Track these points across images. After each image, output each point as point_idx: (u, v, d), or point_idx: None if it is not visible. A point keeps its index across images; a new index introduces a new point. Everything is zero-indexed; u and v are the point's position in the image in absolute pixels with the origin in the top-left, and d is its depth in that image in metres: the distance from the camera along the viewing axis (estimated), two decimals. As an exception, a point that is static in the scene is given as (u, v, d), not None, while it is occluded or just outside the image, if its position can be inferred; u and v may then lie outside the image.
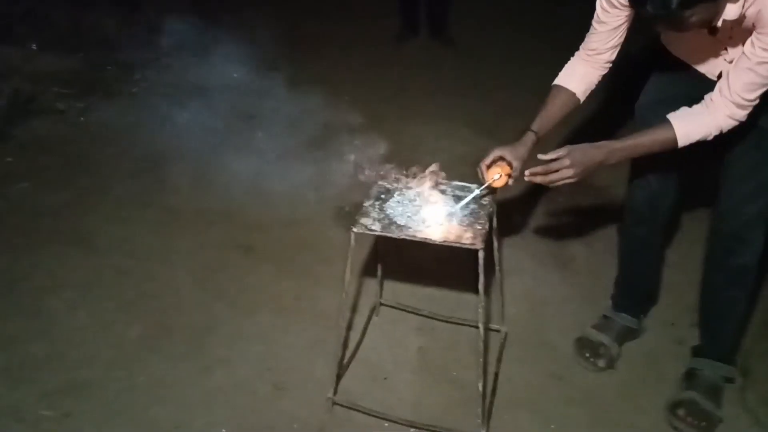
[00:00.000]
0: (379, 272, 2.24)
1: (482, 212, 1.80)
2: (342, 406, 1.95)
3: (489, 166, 1.79)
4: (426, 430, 1.91)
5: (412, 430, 1.92)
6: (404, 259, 2.49)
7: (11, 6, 4.43)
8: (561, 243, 2.74)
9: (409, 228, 1.72)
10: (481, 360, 1.77)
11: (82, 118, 3.65)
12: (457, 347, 2.21)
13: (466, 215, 1.77)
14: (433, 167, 1.88)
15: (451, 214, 1.77)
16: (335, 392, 1.94)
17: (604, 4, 1.71)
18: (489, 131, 3.37)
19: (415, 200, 1.82)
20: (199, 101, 3.76)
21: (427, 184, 1.84)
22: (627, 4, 1.63)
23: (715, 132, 1.61)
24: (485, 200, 1.85)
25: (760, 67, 1.49)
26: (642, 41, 1.88)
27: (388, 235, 1.71)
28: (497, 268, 2.07)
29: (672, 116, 1.64)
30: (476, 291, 1.71)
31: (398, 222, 1.74)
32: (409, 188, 1.87)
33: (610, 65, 1.83)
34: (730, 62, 1.62)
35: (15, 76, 3.90)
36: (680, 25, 1.43)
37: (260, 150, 3.33)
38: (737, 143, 1.78)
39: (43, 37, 4.27)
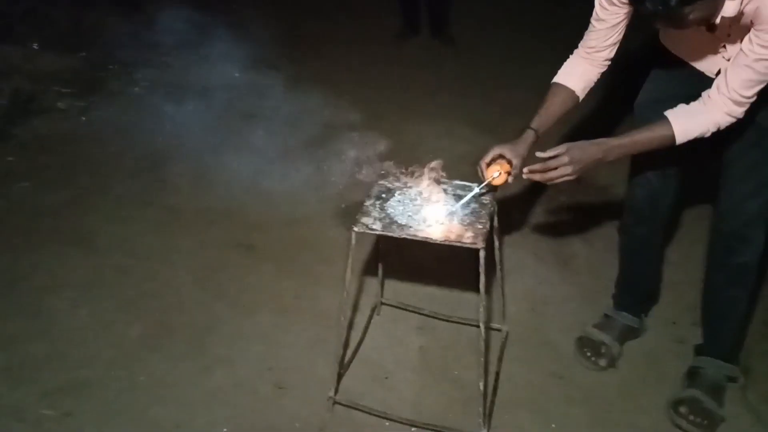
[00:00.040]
0: (380, 271, 2.23)
1: (483, 211, 1.79)
2: (343, 405, 1.95)
3: (489, 164, 1.79)
4: (427, 429, 1.91)
5: (413, 429, 1.92)
6: (405, 258, 2.49)
7: (12, 5, 4.43)
8: (562, 242, 2.74)
9: (410, 227, 1.71)
10: (482, 359, 1.77)
11: (82, 118, 3.65)
12: (458, 346, 2.21)
13: (466, 214, 1.77)
14: (434, 164, 1.87)
15: (451, 213, 1.76)
16: (336, 391, 1.94)
17: (603, 2, 1.71)
18: (490, 130, 3.36)
19: (416, 199, 1.82)
20: (200, 100, 3.76)
21: (428, 180, 1.83)
22: (626, 1, 1.63)
23: (712, 129, 1.62)
24: (486, 199, 1.85)
25: (758, 64, 1.49)
26: (641, 39, 1.88)
27: (389, 234, 1.71)
28: (498, 267, 2.07)
29: (670, 113, 1.64)
30: (477, 290, 1.70)
31: (399, 221, 1.74)
32: (410, 187, 1.87)
33: (609, 63, 1.84)
34: (729, 60, 1.62)
35: (16, 75, 3.90)
36: (679, 22, 1.43)
37: (261, 149, 3.32)
38: (737, 142, 1.78)
39: (44, 37, 4.27)
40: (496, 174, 1.76)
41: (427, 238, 1.68)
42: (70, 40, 4.33)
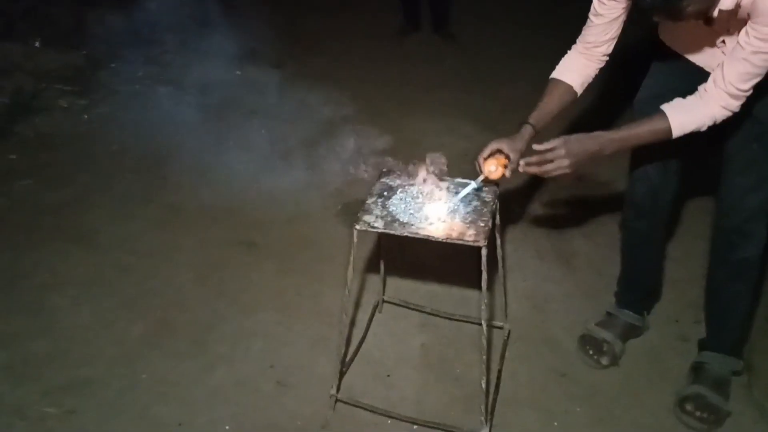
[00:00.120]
0: (382, 269, 2.23)
1: (485, 209, 1.79)
2: (345, 403, 1.95)
3: (487, 159, 1.79)
4: (429, 427, 1.91)
5: (415, 427, 1.92)
6: (407, 256, 2.49)
7: (13, 3, 4.42)
8: (564, 239, 2.73)
9: (412, 225, 1.71)
10: (484, 357, 1.76)
11: (84, 115, 3.65)
12: (460, 344, 2.21)
13: (468, 212, 1.77)
14: (436, 156, 1.86)
15: (451, 208, 1.76)
16: (338, 389, 1.94)
17: None
18: (491, 127, 3.35)
19: (417, 197, 1.81)
20: (201, 98, 3.76)
21: (429, 171, 1.82)
22: None
23: (708, 122, 1.61)
24: (488, 197, 1.84)
25: (755, 57, 1.49)
26: (639, 34, 1.88)
27: (391, 232, 1.70)
28: (500, 265, 2.06)
29: (666, 107, 1.64)
30: (479, 288, 1.70)
31: (401, 219, 1.73)
32: (412, 185, 1.86)
33: (607, 59, 1.83)
34: None
35: (17, 73, 3.90)
36: (677, 14, 1.43)
37: (262, 146, 3.32)
38: (737, 136, 1.79)
39: (46, 34, 4.27)
40: (493, 168, 1.75)
41: (429, 236, 1.68)
42: (72, 37, 4.32)
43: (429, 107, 3.76)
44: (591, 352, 2.15)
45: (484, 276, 1.68)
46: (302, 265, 2.57)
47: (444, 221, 1.73)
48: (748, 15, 1.47)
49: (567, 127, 2.84)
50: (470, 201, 1.81)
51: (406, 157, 1.99)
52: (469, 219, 1.74)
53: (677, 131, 1.62)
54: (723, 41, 1.65)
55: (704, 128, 1.62)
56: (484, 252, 1.66)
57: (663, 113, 1.63)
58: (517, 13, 5.11)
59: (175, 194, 2.97)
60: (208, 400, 2.00)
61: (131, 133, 3.43)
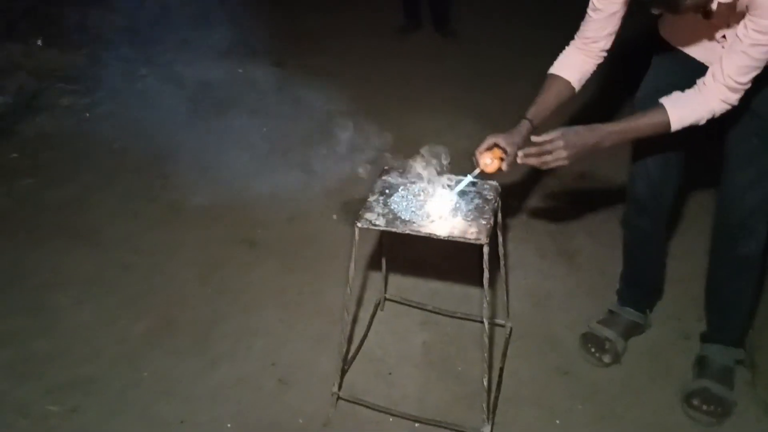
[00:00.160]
0: (384, 267, 2.23)
1: (487, 207, 1.79)
2: (346, 400, 1.95)
3: (483, 153, 1.79)
4: (430, 424, 1.91)
5: (417, 425, 1.92)
6: (409, 253, 2.49)
7: (15, 2, 4.43)
8: (566, 237, 2.73)
9: (414, 223, 1.71)
10: (485, 355, 1.76)
11: (86, 114, 3.65)
12: (462, 342, 2.21)
13: (470, 210, 1.77)
14: (437, 148, 1.86)
15: (451, 206, 1.76)
16: (340, 387, 1.94)
17: None
18: (492, 124, 3.31)
19: (419, 195, 1.81)
20: (203, 97, 3.76)
21: (431, 164, 1.82)
22: None
23: (707, 116, 1.61)
24: (490, 195, 1.84)
25: (753, 50, 1.49)
26: (638, 29, 1.87)
27: (393, 230, 1.70)
28: (502, 263, 2.06)
29: (665, 100, 1.64)
30: (481, 286, 1.70)
31: (402, 217, 1.73)
32: (413, 182, 1.86)
33: (606, 54, 1.83)
34: None
35: (20, 72, 3.90)
36: (676, 6, 1.44)
37: (263, 145, 3.33)
38: (737, 132, 1.79)
39: (47, 33, 4.27)
40: (489, 161, 1.75)
41: (430, 233, 1.68)
42: (73, 36, 4.33)
43: (430, 105, 3.76)
44: (593, 350, 2.15)
45: (486, 274, 1.68)
46: (304, 263, 2.57)
47: (446, 219, 1.73)
48: (747, 8, 1.46)
49: (566, 122, 2.83)
50: (472, 199, 1.81)
51: (408, 155, 1.98)
52: (471, 217, 1.74)
53: (676, 125, 1.62)
54: (723, 36, 1.65)
55: (703, 122, 1.62)
56: (485, 250, 1.66)
57: (662, 106, 1.63)
58: (518, 11, 5.10)
59: (176, 193, 2.97)
60: (210, 397, 2.00)
61: (132, 132, 3.43)
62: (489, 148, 1.78)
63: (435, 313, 2.30)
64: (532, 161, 1.68)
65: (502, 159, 1.76)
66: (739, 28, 1.50)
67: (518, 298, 2.38)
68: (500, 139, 1.77)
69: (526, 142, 1.73)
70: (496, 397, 1.98)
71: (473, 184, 1.85)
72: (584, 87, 1.88)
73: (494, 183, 1.89)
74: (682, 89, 1.65)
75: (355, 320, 2.27)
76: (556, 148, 1.63)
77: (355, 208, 1.84)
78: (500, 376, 2.05)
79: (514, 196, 2.91)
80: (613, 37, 1.79)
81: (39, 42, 4.23)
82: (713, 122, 1.64)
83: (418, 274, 2.48)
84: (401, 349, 2.20)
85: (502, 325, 2.22)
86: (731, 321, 2.05)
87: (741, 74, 1.53)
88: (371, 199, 1.81)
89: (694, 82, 1.64)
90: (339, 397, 1.94)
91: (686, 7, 1.43)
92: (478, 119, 3.56)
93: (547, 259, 2.62)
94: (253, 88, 3.83)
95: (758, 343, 2.18)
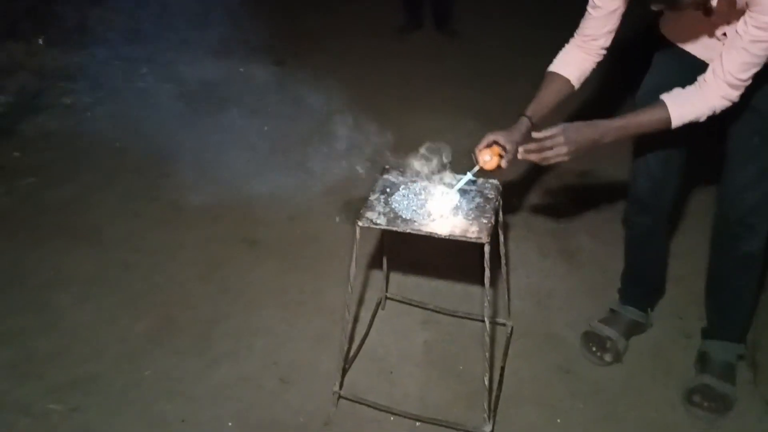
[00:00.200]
0: (385, 266, 2.23)
1: (488, 206, 1.79)
2: (348, 399, 1.95)
3: (482, 151, 1.79)
4: (431, 423, 1.91)
5: (418, 424, 1.92)
6: (410, 252, 2.49)
7: (17, 2, 4.43)
8: (567, 236, 2.73)
9: (415, 222, 1.71)
10: (487, 354, 1.76)
11: (88, 113, 3.66)
12: (463, 341, 2.21)
13: (471, 209, 1.77)
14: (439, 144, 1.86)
15: (453, 205, 1.76)
16: (341, 386, 1.94)
17: None
18: (493, 124, 3.30)
19: (420, 194, 1.81)
20: (204, 96, 3.76)
21: (432, 161, 1.82)
22: None
23: (708, 112, 1.61)
24: (491, 194, 1.84)
25: (753, 46, 1.49)
26: (637, 26, 1.87)
27: (394, 229, 1.70)
28: (503, 261, 2.06)
29: (666, 97, 1.64)
30: (482, 284, 1.70)
31: (403, 216, 1.73)
32: (414, 181, 1.86)
33: (605, 52, 1.83)
34: None
35: (21, 71, 3.91)
36: (676, 3, 1.44)
37: (264, 144, 3.33)
38: (738, 129, 1.79)
39: (49, 33, 4.28)
40: (488, 158, 1.75)
41: (431, 232, 1.68)
42: (75, 36, 4.33)
43: (431, 104, 3.76)
44: (594, 349, 2.14)
45: (487, 273, 1.67)
46: (305, 262, 2.57)
47: (447, 218, 1.73)
48: (747, 4, 1.46)
49: (565, 120, 2.82)
50: (473, 198, 1.81)
51: (408, 154, 1.98)
52: (472, 216, 1.74)
53: (676, 121, 1.62)
54: (724, 33, 1.65)
55: (703, 118, 1.62)
56: (486, 249, 1.66)
57: (662, 103, 1.63)
58: (519, 10, 5.09)
59: (177, 192, 2.97)
60: (212, 396, 2.01)
61: (133, 131, 3.44)
62: (488, 146, 1.78)
63: (436, 312, 2.29)
64: (533, 157, 1.68)
65: (501, 156, 1.76)
66: (739, 25, 1.50)
67: (519, 297, 2.38)
68: (499, 137, 1.77)
69: (526, 140, 1.73)
70: (497, 396, 1.98)
71: (474, 182, 1.85)
72: (583, 85, 1.88)
73: (495, 182, 1.90)
74: (683, 87, 1.65)
75: (356, 319, 2.27)
76: (557, 143, 1.63)
77: (356, 208, 1.84)
78: (501, 375, 2.05)
79: (515, 195, 2.91)
80: (612, 35, 1.79)
81: (40, 41, 4.23)
82: (714, 119, 1.64)
83: (420, 273, 2.48)
84: (402, 348, 2.20)
85: (504, 324, 2.21)
86: (732, 318, 2.05)
87: (741, 71, 1.53)
88: (372, 198, 1.81)
89: (695, 80, 1.64)
90: (340, 396, 1.94)
91: (686, 3, 1.44)
92: (479, 119, 3.55)
93: (548, 257, 2.62)
94: (253, 88, 3.84)
95: (760, 342, 2.17)
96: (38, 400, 1.98)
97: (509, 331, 2.20)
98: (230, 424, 1.92)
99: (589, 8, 1.77)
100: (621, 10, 1.73)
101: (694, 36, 1.74)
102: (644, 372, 2.12)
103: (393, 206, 1.77)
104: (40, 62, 4.03)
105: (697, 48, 1.75)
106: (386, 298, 2.32)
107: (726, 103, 1.59)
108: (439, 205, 1.76)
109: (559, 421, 1.96)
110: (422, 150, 1.84)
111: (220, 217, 2.82)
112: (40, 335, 2.20)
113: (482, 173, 1.80)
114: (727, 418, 1.95)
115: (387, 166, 1.95)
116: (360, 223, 1.71)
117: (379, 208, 1.76)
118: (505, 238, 2.04)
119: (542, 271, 2.54)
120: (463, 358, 2.15)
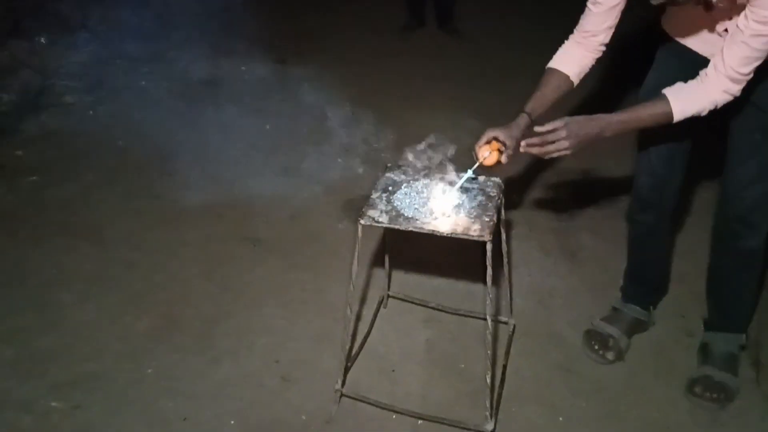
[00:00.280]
0: (387, 264, 2.23)
1: (490, 204, 1.78)
2: (349, 397, 1.95)
3: (482, 147, 1.79)
4: (433, 421, 1.90)
5: (420, 422, 1.92)
6: (412, 250, 2.49)
7: (20, 0, 4.44)
8: (569, 234, 2.73)
9: (417, 220, 1.71)
10: (488, 352, 1.76)
11: (90, 112, 3.66)
12: (465, 339, 2.21)
13: (473, 207, 1.76)
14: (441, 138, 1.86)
15: (455, 203, 1.75)
16: (343, 384, 1.94)
17: None
18: (496, 121, 3.32)
19: (422, 192, 1.81)
20: (206, 94, 3.77)
21: (437, 157, 1.82)
22: None
23: (709, 107, 1.61)
24: (493, 192, 1.83)
25: (754, 40, 1.49)
26: (637, 23, 1.87)
27: (396, 227, 1.70)
28: (505, 260, 2.05)
29: (668, 91, 1.64)
30: (484, 283, 1.70)
31: (406, 214, 1.73)
32: (417, 179, 1.86)
33: (604, 48, 1.83)
34: None
35: (24, 69, 3.91)
36: None
37: (266, 142, 3.33)
38: (739, 126, 1.79)
39: (52, 31, 4.28)
40: (487, 154, 1.75)
41: (434, 230, 1.67)
42: (77, 34, 4.33)
43: (433, 102, 3.76)
44: (596, 347, 2.14)
45: (489, 271, 1.67)
46: (307, 260, 2.57)
47: (449, 216, 1.72)
48: None
49: (565, 116, 2.83)
50: (475, 196, 1.81)
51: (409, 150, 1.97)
52: (474, 214, 1.74)
53: (678, 115, 1.62)
54: (725, 29, 1.65)
55: (705, 112, 1.62)
56: (488, 247, 1.65)
57: (664, 97, 1.63)
58: (522, 8, 5.09)
59: (179, 191, 2.97)
60: (213, 394, 2.01)
61: (135, 129, 3.44)
62: (488, 142, 1.78)
63: (438, 310, 2.29)
64: (535, 151, 1.67)
65: (501, 152, 1.76)
66: (740, 19, 1.50)
67: (521, 296, 2.37)
68: (499, 133, 1.77)
69: (525, 136, 1.73)
70: (499, 395, 1.98)
71: (475, 180, 1.85)
72: (584, 81, 1.88)
73: (497, 180, 1.89)
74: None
75: (358, 318, 2.26)
76: (559, 137, 1.63)
77: (359, 205, 1.84)
78: (503, 373, 2.05)
79: (517, 193, 2.90)
80: (612, 31, 1.80)
81: (43, 40, 4.23)
82: (715, 114, 1.64)
83: (422, 271, 2.47)
84: (404, 346, 2.19)
85: (505, 323, 2.21)
86: (733, 312, 2.07)
87: (742, 65, 1.53)
88: (374, 196, 1.81)
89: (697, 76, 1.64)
90: (342, 394, 1.94)
91: None
92: (480, 117, 3.55)
93: (550, 255, 2.61)
94: (255, 87, 3.84)
95: (763, 341, 2.17)
96: (40, 398, 1.98)
97: (511, 330, 2.19)
98: (232, 422, 1.92)
99: (589, 4, 1.77)
100: (621, 6, 1.73)
101: (695, 32, 1.74)
102: (646, 370, 2.11)
103: (395, 204, 1.77)
104: (42, 61, 4.03)
105: (699, 44, 1.75)
106: (388, 296, 2.32)
107: (728, 97, 1.59)
108: (441, 203, 1.75)
109: (560, 419, 1.95)
110: (422, 145, 1.83)
111: (222, 216, 2.82)
112: (42, 334, 2.20)
113: (483, 170, 1.80)
114: (729, 415, 1.95)
115: (389, 164, 1.95)
116: (362, 221, 1.71)
117: (381, 206, 1.76)
118: (507, 236, 2.04)
119: (544, 269, 2.54)
120: (464, 357, 2.14)
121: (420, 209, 1.74)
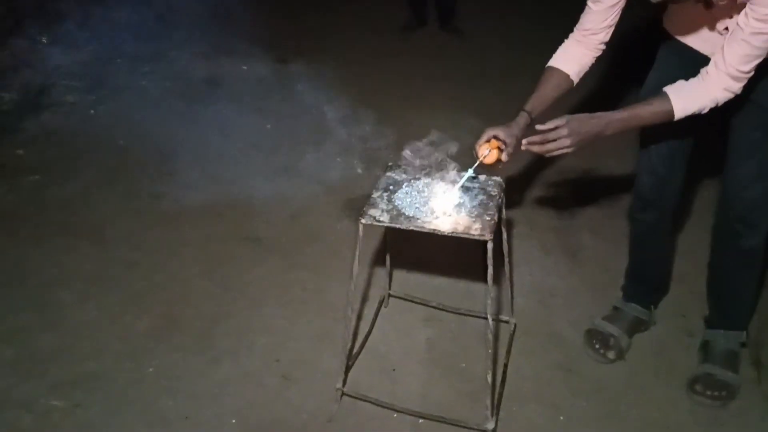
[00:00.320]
0: (388, 263, 2.23)
1: (491, 203, 1.78)
2: (350, 396, 1.95)
3: (482, 146, 1.79)
4: (434, 421, 1.90)
5: (421, 421, 1.92)
6: (413, 250, 2.49)
7: (21, 0, 4.44)
8: (570, 233, 2.72)
9: (418, 219, 1.71)
10: (489, 351, 1.76)
11: (91, 111, 3.66)
12: (466, 338, 2.21)
13: (474, 206, 1.76)
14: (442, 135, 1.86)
15: (456, 202, 1.75)
16: (344, 383, 1.94)
17: None
18: (497, 121, 3.32)
19: (423, 191, 1.81)
20: (206, 94, 3.77)
21: (438, 154, 1.82)
22: None
23: (710, 104, 1.61)
24: (494, 191, 1.83)
25: (754, 38, 1.49)
26: (637, 22, 1.87)
27: (397, 226, 1.70)
28: (506, 259, 2.05)
29: (669, 89, 1.64)
30: (485, 282, 1.70)
31: (406, 213, 1.73)
32: (418, 178, 1.86)
33: (604, 47, 1.83)
34: None
35: (25, 69, 3.91)
36: None
37: (267, 142, 3.33)
38: (740, 126, 1.79)
39: (53, 31, 4.28)
40: (487, 152, 1.75)
41: (434, 230, 1.67)
42: (78, 34, 4.34)
43: (433, 102, 3.75)
44: (597, 346, 2.14)
45: (490, 270, 1.67)
46: (307, 259, 2.57)
47: (450, 215, 1.72)
48: None
49: (566, 113, 2.83)
50: (476, 195, 1.81)
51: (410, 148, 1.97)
52: (475, 213, 1.74)
53: (680, 113, 1.62)
54: (726, 28, 1.65)
55: (706, 110, 1.63)
56: (489, 246, 1.65)
57: (665, 95, 1.63)
58: (522, 8, 5.08)
59: (181, 190, 2.97)
60: (214, 393, 2.01)
61: (136, 129, 3.44)
62: (487, 141, 1.78)
63: (439, 309, 2.29)
64: (536, 149, 1.67)
65: (501, 150, 1.76)
66: (740, 17, 1.51)
67: (522, 295, 2.37)
68: (499, 132, 1.77)
69: (525, 134, 1.73)
70: (500, 394, 1.98)
71: (476, 179, 1.85)
72: (584, 80, 1.88)
73: (498, 179, 1.89)
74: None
75: (359, 317, 2.26)
76: (560, 135, 1.63)
77: (359, 205, 1.84)
78: (504, 372, 2.05)
79: (518, 192, 2.90)
80: (611, 30, 1.80)
81: (44, 39, 4.23)
82: (716, 113, 1.64)
83: (422, 271, 2.47)
84: (405, 345, 2.19)
85: (506, 322, 2.21)
86: (733, 311, 2.07)
87: (743, 63, 1.53)
88: (375, 195, 1.81)
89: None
90: (343, 393, 1.94)
91: None
92: (482, 116, 3.53)
93: (550, 255, 2.61)
94: (255, 86, 3.84)
95: (764, 341, 2.16)
96: (40, 397, 1.98)
97: (512, 329, 2.19)
98: (233, 421, 1.92)
99: (589, 2, 1.77)
100: (621, 4, 1.74)
101: (695, 30, 1.75)
102: (647, 370, 2.11)
103: (396, 203, 1.76)
104: (44, 60, 4.03)
105: (699, 42, 1.76)
106: (389, 295, 2.32)
107: (728, 95, 1.59)
108: (442, 202, 1.75)
109: (561, 418, 1.95)
110: (423, 142, 1.83)
111: (222, 216, 2.82)
112: (42, 333, 2.20)
113: (484, 169, 1.80)
114: (730, 415, 1.95)
115: (390, 163, 1.95)
116: (363, 220, 1.71)
117: (382, 205, 1.76)
118: (508, 236, 2.04)
119: (545, 269, 2.54)
120: (465, 356, 2.14)
121: (421, 208, 1.74)
